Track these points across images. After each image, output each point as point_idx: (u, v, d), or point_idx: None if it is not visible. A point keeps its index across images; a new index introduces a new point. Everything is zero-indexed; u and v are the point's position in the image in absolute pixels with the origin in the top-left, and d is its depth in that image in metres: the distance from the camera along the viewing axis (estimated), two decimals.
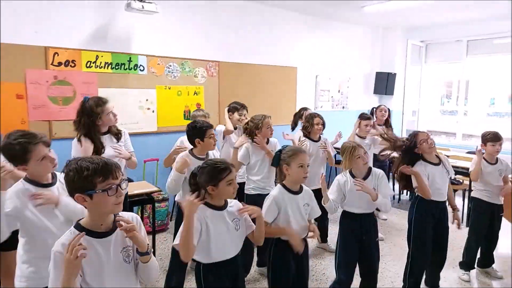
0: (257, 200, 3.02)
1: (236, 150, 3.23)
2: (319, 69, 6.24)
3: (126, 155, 2.85)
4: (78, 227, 1.39)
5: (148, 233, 3.64)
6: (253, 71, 5.31)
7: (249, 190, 3.21)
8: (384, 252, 3.83)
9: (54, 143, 3.77)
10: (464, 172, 4.21)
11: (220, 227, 1.86)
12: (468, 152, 5.40)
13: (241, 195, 3.06)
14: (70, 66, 3.81)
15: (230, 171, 1.86)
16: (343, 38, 6.50)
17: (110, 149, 2.77)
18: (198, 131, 2.68)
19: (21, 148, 1.75)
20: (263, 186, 3.15)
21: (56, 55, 3.72)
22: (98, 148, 2.69)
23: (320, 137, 3.75)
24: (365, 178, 2.59)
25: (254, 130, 3.17)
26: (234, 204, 1.97)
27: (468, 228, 3.36)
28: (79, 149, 2.65)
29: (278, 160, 2.29)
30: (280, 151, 2.32)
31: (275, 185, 2.38)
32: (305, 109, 4.56)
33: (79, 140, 2.69)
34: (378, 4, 5.19)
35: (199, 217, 1.80)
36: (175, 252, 2.61)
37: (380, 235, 4.11)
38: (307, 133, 3.72)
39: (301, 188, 2.30)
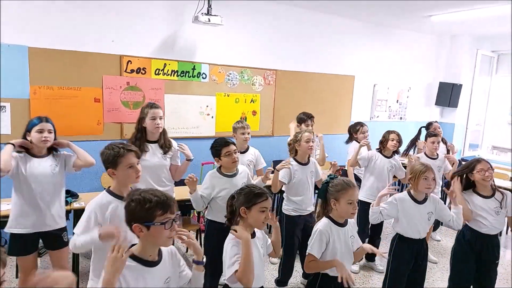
0: (298, 222, 3.07)
1: (277, 172, 2.97)
2: (377, 78, 6.10)
3: (189, 154, 2.94)
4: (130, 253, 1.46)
5: (202, 231, 3.90)
6: (310, 79, 5.34)
7: (289, 211, 3.09)
8: (435, 277, 3.70)
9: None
10: None
11: (255, 255, 1.85)
12: None
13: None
14: (141, 73, 4.13)
15: (266, 199, 1.87)
16: (405, 46, 6.28)
17: (155, 158, 2.85)
18: (215, 150, 2.66)
19: (114, 153, 1.93)
20: (305, 208, 3.08)
21: (129, 63, 4.06)
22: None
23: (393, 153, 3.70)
24: (423, 202, 2.61)
25: (294, 144, 3.07)
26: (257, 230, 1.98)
27: None
28: None
29: (325, 193, 2.17)
30: (327, 183, 2.18)
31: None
32: (361, 124, 4.48)
33: None
34: (446, 14, 4.96)
35: (239, 245, 1.80)
36: None
37: (433, 258, 4.02)
38: (382, 148, 3.69)
39: (346, 220, 2.20)
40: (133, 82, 4.10)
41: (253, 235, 1.91)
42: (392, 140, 3.60)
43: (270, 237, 2.14)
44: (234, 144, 2.68)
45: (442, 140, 4.58)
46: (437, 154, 3.97)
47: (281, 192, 3.32)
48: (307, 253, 2.13)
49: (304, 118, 3.83)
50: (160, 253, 1.53)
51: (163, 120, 2.93)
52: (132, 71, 4.08)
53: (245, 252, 1.75)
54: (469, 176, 2.73)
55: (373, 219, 2.63)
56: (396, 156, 3.78)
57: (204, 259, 1.67)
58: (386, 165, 3.67)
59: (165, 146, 2.92)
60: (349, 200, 2.08)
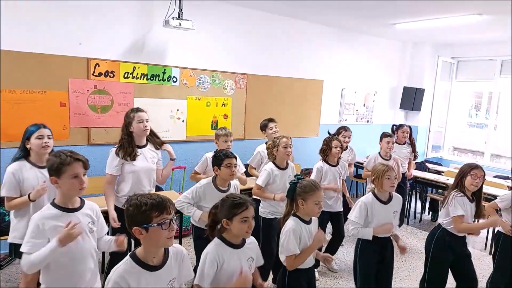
0: (274, 225, 3.10)
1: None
2: (345, 82, 6.28)
3: (173, 154, 3.11)
4: (134, 257, 1.52)
5: (175, 237, 3.86)
6: (280, 84, 5.43)
7: (266, 214, 3.17)
8: (402, 276, 3.84)
9: (92, 149, 4.06)
10: (491, 199, 4.11)
11: (234, 266, 1.87)
12: (496, 176, 5.30)
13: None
14: (109, 76, 4.05)
15: (246, 208, 1.86)
16: (371, 51, 6.50)
17: (144, 162, 2.90)
18: (216, 159, 2.69)
19: (59, 161, 1.83)
20: (280, 211, 3.05)
21: (97, 66, 3.96)
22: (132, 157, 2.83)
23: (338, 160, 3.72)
24: (388, 202, 2.72)
25: (272, 149, 3.18)
26: (252, 242, 2.01)
27: (492, 257, 3.24)
28: (110, 161, 2.84)
29: (293, 193, 2.27)
30: (295, 183, 2.28)
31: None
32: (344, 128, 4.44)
33: (117, 154, 2.84)
34: (409, 22, 5.19)
35: (217, 256, 1.84)
36: None
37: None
38: (324, 157, 3.67)
39: (311, 218, 2.34)
40: (101, 86, 4.01)
41: (241, 245, 1.93)
42: (336, 147, 3.58)
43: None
44: (236, 159, 2.72)
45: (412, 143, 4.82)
46: (390, 155, 4.28)
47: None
48: (288, 255, 2.19)
49: (267, 123, 3.92)
50: (166, 255, 1.59)
51: (149, 123, 2.97)
52: (100, 74, 3.99)
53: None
54: (462, 179, 2.82)
55: (356, 233, 2.68)
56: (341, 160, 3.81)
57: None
58: (335, 174, 3.67)
59: (157, 143, 3.05)
60: (316, 201, 2.23)
